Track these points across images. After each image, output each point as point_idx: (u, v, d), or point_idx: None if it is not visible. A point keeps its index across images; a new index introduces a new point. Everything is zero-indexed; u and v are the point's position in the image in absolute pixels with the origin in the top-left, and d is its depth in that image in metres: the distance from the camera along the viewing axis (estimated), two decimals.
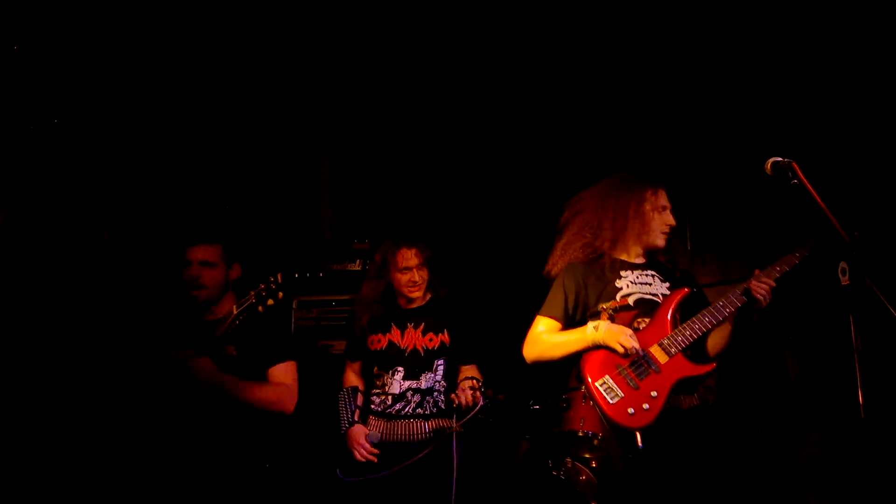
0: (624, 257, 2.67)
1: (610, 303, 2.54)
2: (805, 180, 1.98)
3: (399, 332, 3.07)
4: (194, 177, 4.37)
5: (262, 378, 2.75)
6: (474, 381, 2.86)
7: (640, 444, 2.35)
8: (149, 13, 3.47)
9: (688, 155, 4.00)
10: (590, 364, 2.48)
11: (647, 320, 2.51)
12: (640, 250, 2.68)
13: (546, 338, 2.61)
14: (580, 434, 3.86)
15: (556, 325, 2.62)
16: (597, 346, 2.48)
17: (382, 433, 2.99)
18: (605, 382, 2.42)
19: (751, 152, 2.48)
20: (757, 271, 2.45)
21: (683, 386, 2.43)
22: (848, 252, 1.92)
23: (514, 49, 3.88)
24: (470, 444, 3.01)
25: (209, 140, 4.39)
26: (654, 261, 2.70)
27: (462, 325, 3.10)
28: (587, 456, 3.96)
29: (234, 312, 2.47)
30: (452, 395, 2.88)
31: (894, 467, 2.82)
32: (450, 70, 4.07)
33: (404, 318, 3.10)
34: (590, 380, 2.44)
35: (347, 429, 3.02)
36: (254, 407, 2.65)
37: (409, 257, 3.04)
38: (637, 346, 2.40)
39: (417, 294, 3.08)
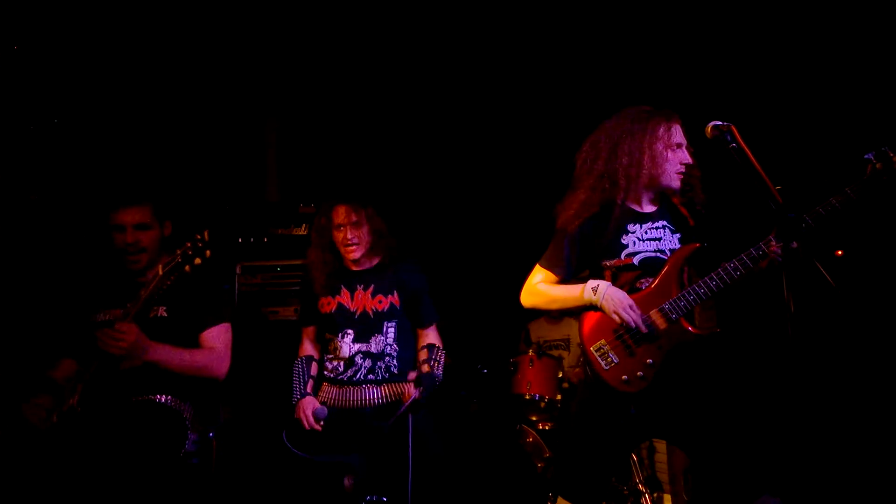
0: (635, 206, 2.50)
1: (614, 261, 2.43)
2: (743, 143, 1.98)
3: (349, 293, 3.02)
4: (131, 134, 4.19)
5: (194, 340, 2.64)
6: (427, 365, 2.80)
7: (632, 409, 2.32)
8: None
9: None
10: (587, 325, 2.40)
11: (650, 280, 2.40)
12: (652, 195, 2.51)
13: (543, 289, 2.51)
14: (527, 397, 3.94)
15: (553, 277, 2.51)
16: (594, 307, 2.40)
17: (335, 400, 2.96)
18: (601, 347, 2.36)
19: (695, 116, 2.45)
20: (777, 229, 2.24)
21: (683, 350, 2.35)
22: (781, 215, 1.92)
23: (452, 17, 3.80)
24: (424, 413, 3.00)
25: (151, 97, 4.20)
26: (667, 207, 2.53)
27: (412, 287, 3.05)
28: (534, 418, 4.05)
29: (160, 274, 2.33)
30: (405, 395, 2.86)
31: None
32: (395, 26, 3.96)
33: (353, 279, 3.04)
34: (586, 342, 2.38)
35: (298, 400, 2.99)
36: (184, 374, 2.56)
37: (342, 214, 2.98)
38: (635, 319, 2.31)
39: (356, 254, 3.01)
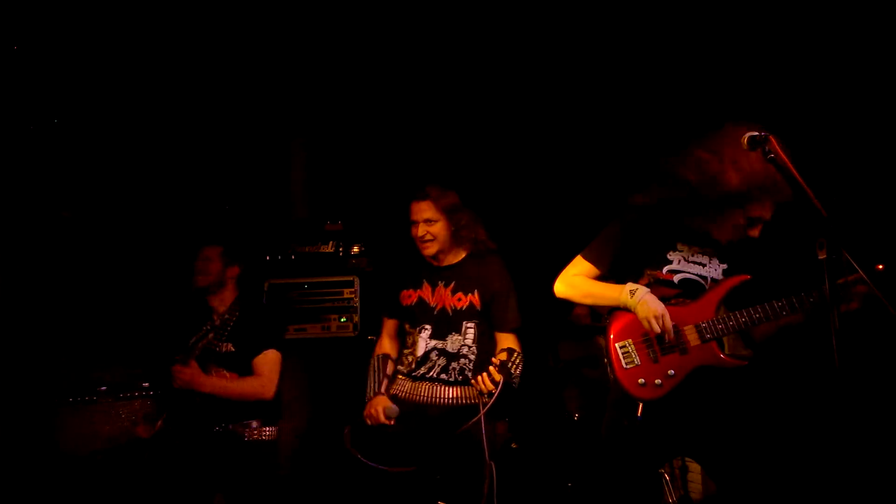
0: (691, 224, 2.40)
1: (655, 271, 2.43)
2: (782, 154, 1.92)
3: (430, 288, 2.96)
4: (162, 158, 4.25)
5: (249, 367, 3.04)
6: (496, 366, 2.65)
7: (639, 414, 2.28)
8: None
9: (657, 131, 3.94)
10: (617, 322, 2.39)
11: (687, 301, 2.38)
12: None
13: (580, 282, 2.47)
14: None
15: (594, 271, 2.47)
16: (627, 309, 2.36)
17: (407, 393, 2.92)
18: (625, 346, 2.35)
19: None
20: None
21: (704, 372, 2.33)
22: (825, 226, 1.87)
23: (483, 28, 3.81)
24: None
25: (177, 118, 4.27)
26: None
27: (494, 287, 2.92)
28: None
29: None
30: (472, 381, 2.73)
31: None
32: (419, 46, 3.99)
33: (436, 275, 2.97)
34: (612, 338, 2.37)
35: (371, 398, 2.94)
36: (236, 400, 3.00)
37: (416, 210, 2.92)
38: (663, 327, 2.28)
39: (430, 251, 2.92)
